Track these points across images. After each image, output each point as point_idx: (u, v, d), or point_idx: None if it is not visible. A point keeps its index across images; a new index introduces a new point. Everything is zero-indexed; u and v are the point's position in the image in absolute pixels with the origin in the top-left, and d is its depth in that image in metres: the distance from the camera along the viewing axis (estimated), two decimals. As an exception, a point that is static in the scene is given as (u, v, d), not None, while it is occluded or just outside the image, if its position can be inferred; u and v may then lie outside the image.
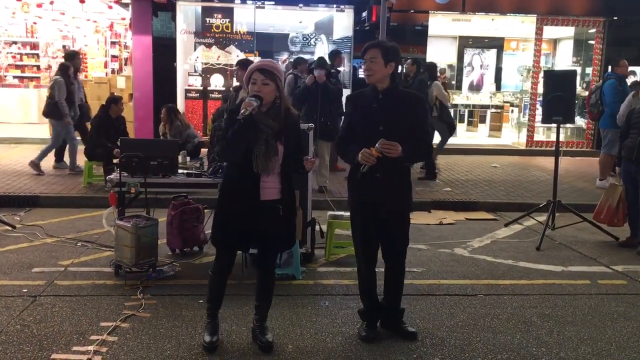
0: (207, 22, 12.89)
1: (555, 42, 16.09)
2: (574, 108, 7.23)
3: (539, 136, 14.38)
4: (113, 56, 17.29)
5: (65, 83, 9.34)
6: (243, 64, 7.40)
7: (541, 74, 12.83)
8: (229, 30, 12.92)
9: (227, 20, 12.92)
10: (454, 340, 4.32)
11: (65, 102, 9.28)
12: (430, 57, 12.99)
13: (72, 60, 9.83)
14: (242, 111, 3.69)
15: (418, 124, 4.07)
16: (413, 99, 4.14)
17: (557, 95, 6.93)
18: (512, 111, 15.91)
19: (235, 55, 12.75)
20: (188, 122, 9.77)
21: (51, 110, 9.39)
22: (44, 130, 13.58)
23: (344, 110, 4.32)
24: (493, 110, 15.81)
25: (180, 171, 5.82)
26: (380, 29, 8.99)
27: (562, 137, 14.12)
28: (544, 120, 7.61)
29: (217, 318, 4.16)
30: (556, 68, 15.07)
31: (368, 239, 4.24)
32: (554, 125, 7.40)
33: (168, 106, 9.36)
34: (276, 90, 3.85)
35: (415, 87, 9.86)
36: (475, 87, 16.13)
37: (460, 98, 15.79)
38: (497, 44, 15.95)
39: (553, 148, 13.63)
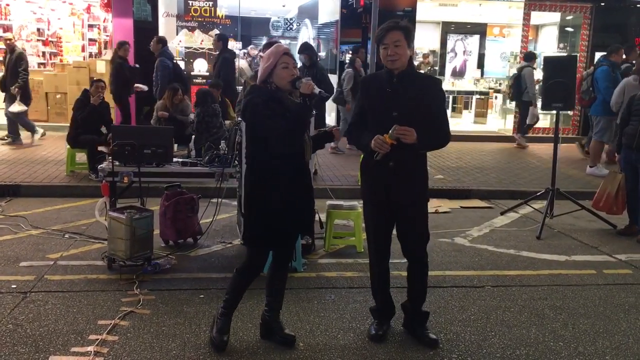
0: (190, 4, 12.52)
1: (537, 29, 16.02)
2: (575, 94, 7.10)
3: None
4: (91, 40, 16.74)
5: (354, 75, 10.48)
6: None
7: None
8: (209, 14, 12.55)
9: (210, 3, 12.56)
10: (469, 335, 4.18)
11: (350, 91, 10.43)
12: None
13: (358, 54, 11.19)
14: (311, 92, 3.54)
15: (435, 109, 3.82)
16: (431, 83, 3.90)
17: (557, 81, 6.81)
18: (496, 97, 15.85)
19: (219, 39, 12.36)
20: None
21: (337, 97, 10.88)
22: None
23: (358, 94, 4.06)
24: (477, 96, 15.71)
25: (174, 160, 5.57)
26: (373, 12, 8.76)
27: (547, 124, 14.21)
28: (543, 107, 7.49)
29: (231, 316, 3.94)
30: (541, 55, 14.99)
31: (379, 231, 4.01)
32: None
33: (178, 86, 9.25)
34: None
35: (219, 66, 9.74)
36: (459, 73, 16.01)
37: (445, 84, 15.64)
38: (480, 29, 15.82)
39: (541, 135, 13.79)
